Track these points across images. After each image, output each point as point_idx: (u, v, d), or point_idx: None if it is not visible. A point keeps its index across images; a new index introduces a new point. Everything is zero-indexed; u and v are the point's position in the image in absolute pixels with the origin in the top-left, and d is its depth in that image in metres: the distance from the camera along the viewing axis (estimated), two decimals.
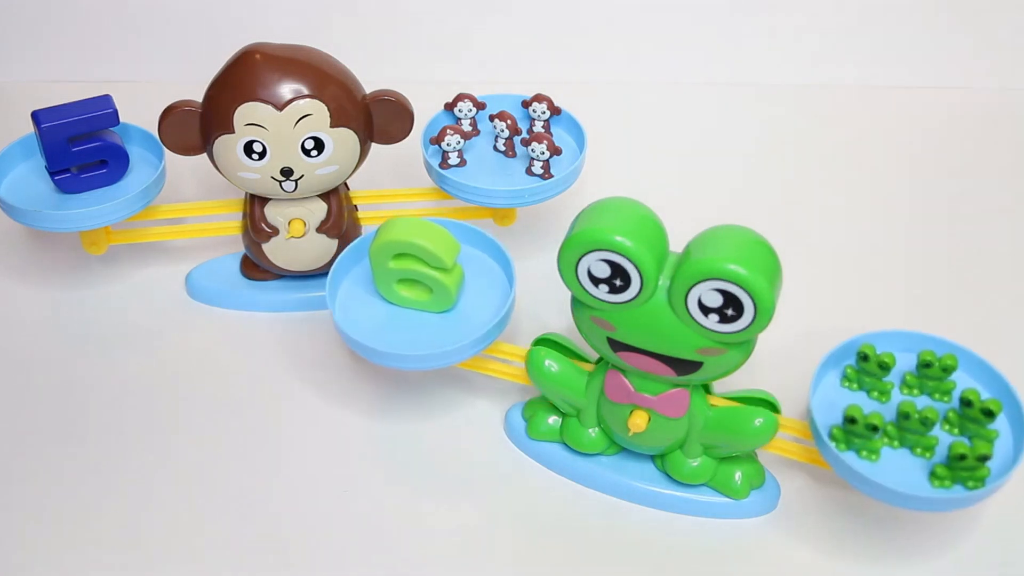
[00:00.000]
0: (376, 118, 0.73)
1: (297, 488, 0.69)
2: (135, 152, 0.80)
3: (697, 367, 0.60)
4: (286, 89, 0.70)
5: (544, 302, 0.78)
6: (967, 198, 0.94)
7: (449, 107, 0.81)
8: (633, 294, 0.58)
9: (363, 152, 0.74)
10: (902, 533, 0.67)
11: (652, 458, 0.69)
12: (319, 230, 0.77)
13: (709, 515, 0.68)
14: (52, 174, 0.75)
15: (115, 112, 0.75)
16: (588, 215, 0.59)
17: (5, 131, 0.84)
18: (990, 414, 0.61)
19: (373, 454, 0.72)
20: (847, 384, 0.65)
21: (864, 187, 0.95)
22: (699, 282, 0.56)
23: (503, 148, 0.80)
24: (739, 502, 0.67)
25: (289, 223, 0.76)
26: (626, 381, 0.64)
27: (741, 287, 0.55)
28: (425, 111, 0.79)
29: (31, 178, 0.78)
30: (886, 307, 0.82)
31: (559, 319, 0.78)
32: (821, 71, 1.07)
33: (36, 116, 0.74)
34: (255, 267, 0.82)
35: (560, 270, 0.60)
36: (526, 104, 0.81)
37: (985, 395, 0.64)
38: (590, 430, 0.68)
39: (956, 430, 0.62)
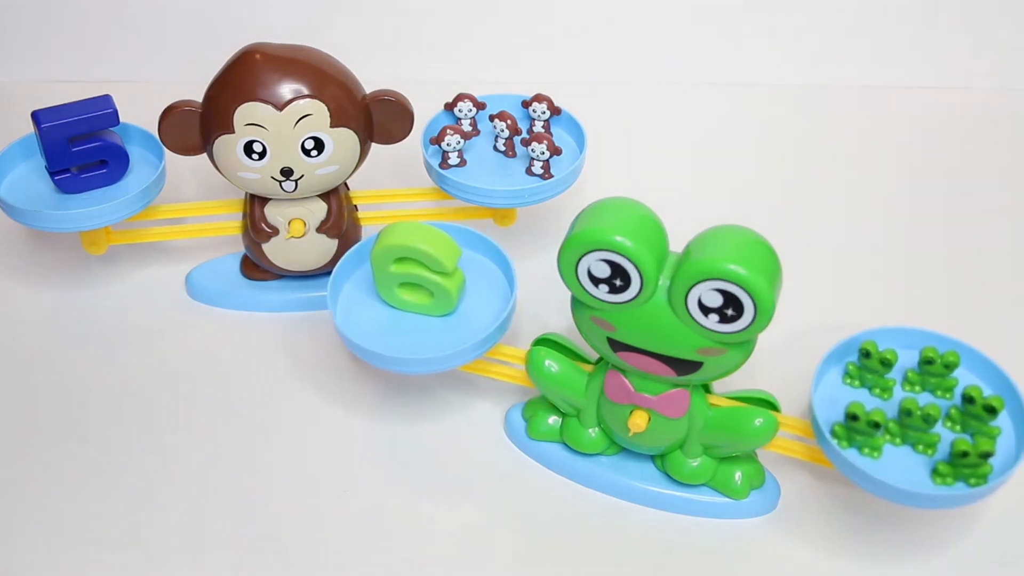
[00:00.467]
0: (376, 118, 0.73)
1: (297, 488, 0.69)
2: (135, 152, 0.80)
3: (697, 367, 0.60)
4: (286, 89, 0.70)
5: (544, 302, 0.78)
6: (967, 198, 0.94)
7: (449, 107, 0.81)
8: (633, 294, 0.58)
9: (363, 152, 0.74)
10: (903, 531, 0.67)
11: (652, 458, 0.69)
12: (319, 230, 0.77)
13: (709, 515, 0.68)
14: (52, 174, 0.75)
15: (115, 112, 0.75)
16: (588, 215, 0.59)
17: (5, 131, 0.84)
18: (992, 411, 0.61)
19: (373, 454, 0.72)
20: (849, 381, 0.65)
21: (864, 187, 0.95)
22: (699, 282, 0.56)
23: (503, 148, 0.80)
24: (739, 502, 0.67)
25: (289, 223, 0.76)
26: (626, 381, 0.64)
27: (741, 287, 0.55)
28: (425, 111, 0.79)
29: (31, 178, 0.78)
30: (886, 307, 0.82)
31: (559, 319, 0.78)
32: (821, 71, 1.07)
33: (36, 116, 0.74)
34: (255, 267, 0.82)
35: (560, 270, 0.60)
36: (526, 104, 0.81)
37: (987, 392, 0.64)
38: (590, 430, 0.68)
39: (958, 427, 0.62)
